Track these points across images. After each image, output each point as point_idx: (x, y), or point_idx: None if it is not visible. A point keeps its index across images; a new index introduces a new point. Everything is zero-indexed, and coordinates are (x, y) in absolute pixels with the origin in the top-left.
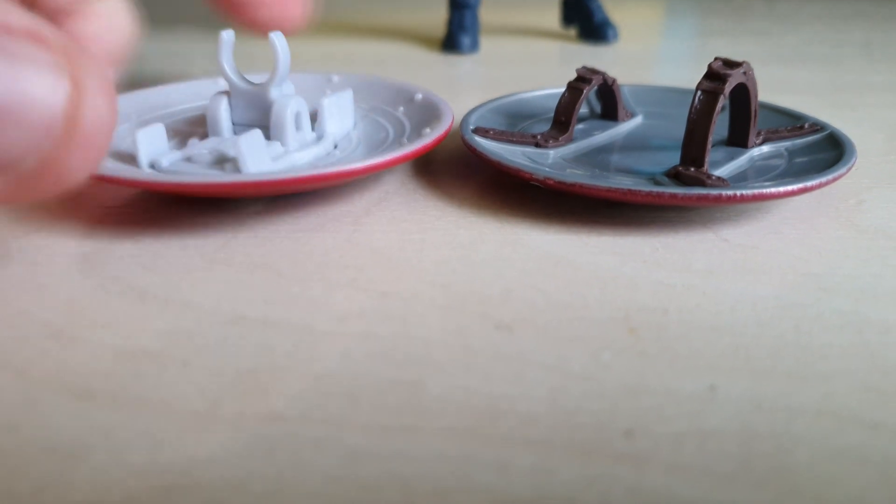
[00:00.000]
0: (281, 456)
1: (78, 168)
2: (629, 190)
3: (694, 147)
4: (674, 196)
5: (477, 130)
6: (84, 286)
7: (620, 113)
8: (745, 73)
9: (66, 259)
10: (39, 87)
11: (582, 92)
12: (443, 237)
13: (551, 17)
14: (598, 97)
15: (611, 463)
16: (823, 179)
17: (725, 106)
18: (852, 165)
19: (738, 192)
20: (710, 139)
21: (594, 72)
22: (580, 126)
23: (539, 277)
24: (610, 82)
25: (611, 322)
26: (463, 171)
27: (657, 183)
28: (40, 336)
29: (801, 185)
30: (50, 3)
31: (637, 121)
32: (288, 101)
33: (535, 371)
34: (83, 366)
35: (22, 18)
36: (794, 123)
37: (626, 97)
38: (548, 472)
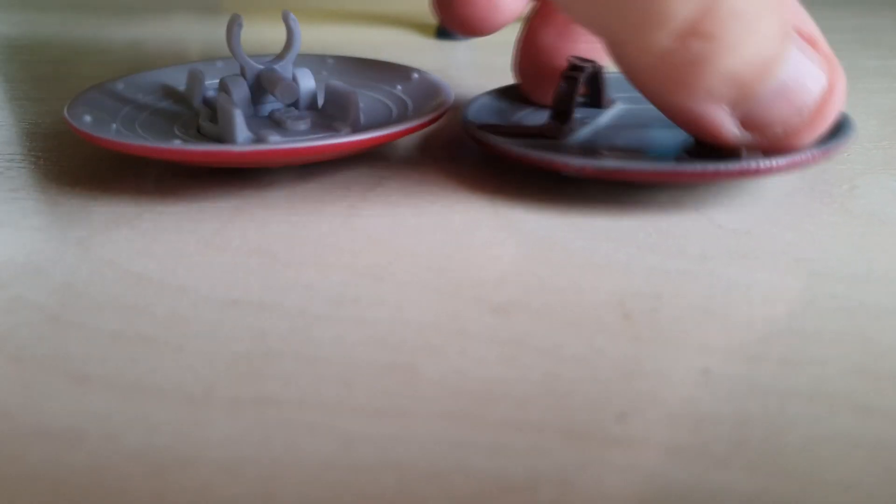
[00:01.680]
0: (275, 440)
1: (802, 141)
2: (673, 171)
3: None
4: (717, 172)
5: (484, 127)
6: (80, 271)
7: (605, 100)
8: None
9: (61, 244)
10: (810, 78)
11: (577, 81)
12: (438, 222)
13: None
14: (584, 84)
15: (604, 446)
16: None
17: None
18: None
19: (774, 163)
20: None
21: (585, 60)
22: (580, 114)
23: (534, 262)
24: (598, 70)
25: (605, 306)
26: (457, 156)
27: (681, 161)
28: (35, 321)
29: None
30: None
31: (620, 107)
32: (309, 77)
33: (530, 355)
34: (78, 350)
35: (809, 26)
36: None
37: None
38: (542, 456)
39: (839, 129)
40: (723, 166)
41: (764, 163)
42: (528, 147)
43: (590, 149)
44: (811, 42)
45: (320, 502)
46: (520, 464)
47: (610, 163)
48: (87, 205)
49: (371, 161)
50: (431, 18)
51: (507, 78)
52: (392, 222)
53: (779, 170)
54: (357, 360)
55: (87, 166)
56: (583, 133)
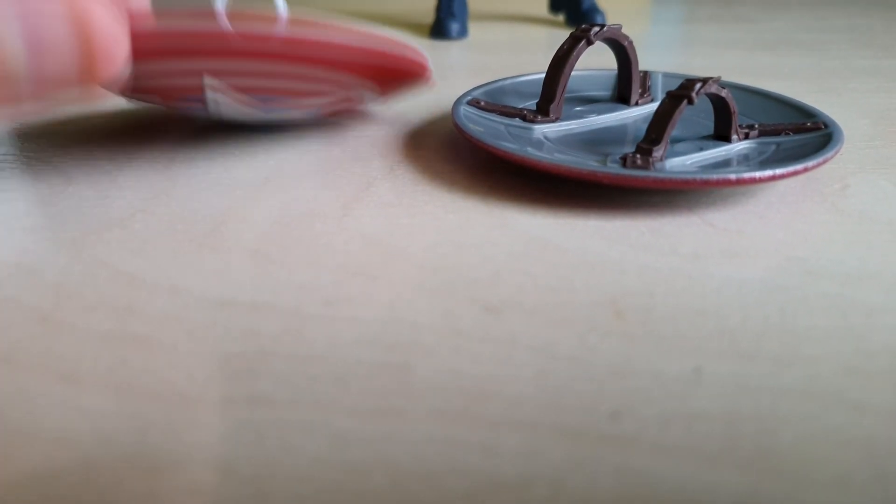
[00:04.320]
0: (269, 439)
1: (106, 70)
2: (583, 170)
3: (654, 129)
4: (617, 177)
5: (470, 102)
6: (72, 271)
7: (634, 95)
8: (717, 84)
9: (53, 244)
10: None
11: (569, 54)
12: (431, 221)
13: (539, 4)
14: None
15: (597, 444)
16: (796, 167)
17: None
18: (838, 151)
19: (758, 175)
20: (670, 130)
21: (591, 27)
22: (581, 107)
23: (527, 261)
24: (624, 42)
25: (598, 305)
26: (452, 156)
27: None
28: (27, 321)
29: (752, 175)
30: None
31: (651, 107)
32: None
33: (523, 353)
34: (70, 351)
35: None
36: (800, 121)
37: (654, 81)
38: (535, 454)
39: (829, 140)
40: (709, 175)
41: (748, 174)
42: (493, 126)
43: (560, 140)
44: None
45: (314, 501)
46: (513, 462)
47: (530, 154)
48: (79, 205)
49: (364, 161)
50: (426, 18)
51: (501, 76)
52: (385, 222)
53: (762, 181)
54: (350, 360)
55: (80, 167)
56: (570, 125)
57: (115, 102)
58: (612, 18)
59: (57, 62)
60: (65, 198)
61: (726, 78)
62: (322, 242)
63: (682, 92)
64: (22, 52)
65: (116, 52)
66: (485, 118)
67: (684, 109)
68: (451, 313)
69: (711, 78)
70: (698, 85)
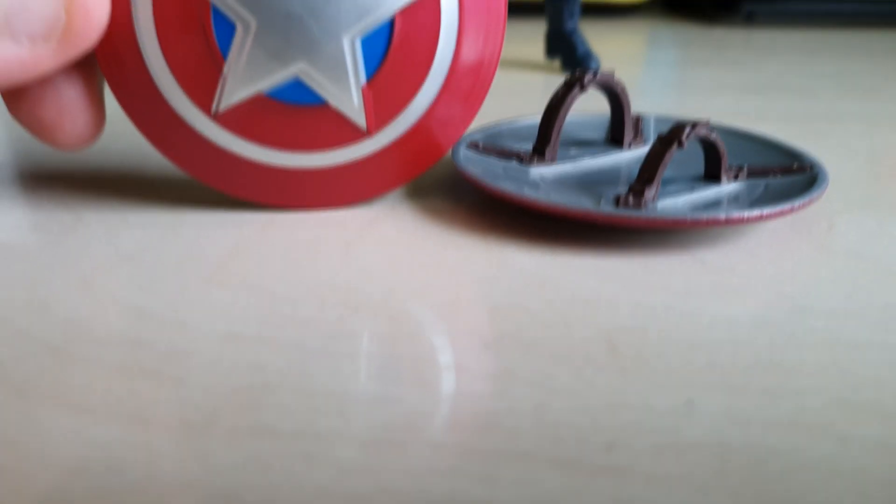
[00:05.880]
0: (274, 469)
1: (84, 38)
2: (577, 210)
3: (646, 171)
4: (610, 217)
5: (470, 144)
6: (83, 306)
7: (627, 138)
8: (706, 128)
9: (65, 280)
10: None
11: (563, 100)
12: (431, 258)
13: (536, 49)
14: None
15: (593, 475)
16: (784, 207)
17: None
18: (823, 191)
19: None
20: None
21: (584, 74)
22: (576, 150)
23: (524, 297)
24: (616, 88)
25: (593, 340)
26: (452, 195)
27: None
28: (40, 354)
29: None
30: None
31: (644, 149)
32: None
33: (521, 387)
34: (82, 382)
35: None
36: (787, 163)
37: (647, 124)
38: (532, 485)
39: (815, 180)
40: (699, 215)
41: (739, 214)
42: (491, 167)
43: (556, 182)
44: None
45: None
46: (511, 492)
47: (527, 194)
48: (89, 242)
49: (367, 200)
50: None
51: (501, 101)
52: (387, 259)
53: (752, 220)
54: (351, 393)
55: (90, 205)
56: (565, 167)
57: (122, 147)
58: (607, 62)
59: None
60: (75, 235)
61: (718, 120)
62: (325, 279)
63: (672, 136)
64: None
65: (97, 3)
66: (484, 160)
67: (675, 152)
68: (451, 348)
69: (700, 122)
70: (687, 129)
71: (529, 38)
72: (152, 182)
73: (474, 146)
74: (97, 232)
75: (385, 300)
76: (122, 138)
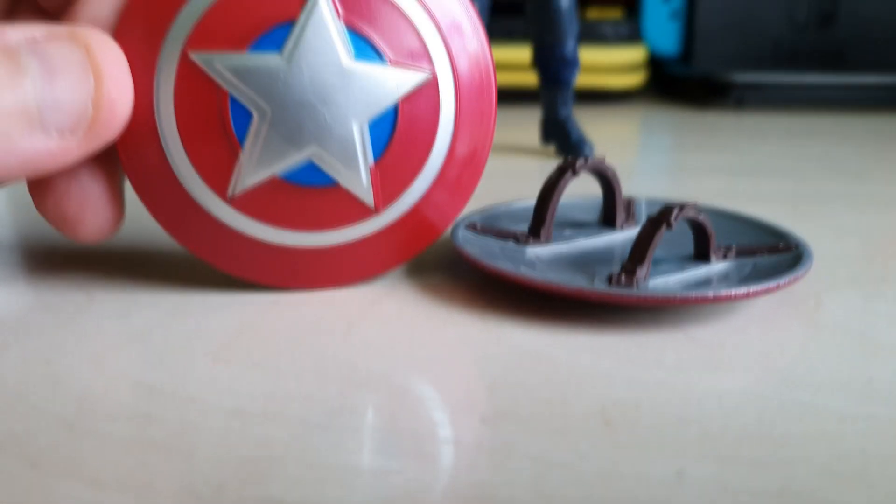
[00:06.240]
0: None
1: (109, 130)
2: (572, 289)
3: (637, 251)
4: (602, 295)
5: (468, 226)
6: (95, 382)
7: (619, 219)
8: (694, 209)
9: (77, 357)
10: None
11: (557, 184)
12: (431, 336)
13: (532, 135)
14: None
15: None
16: (770, 285)
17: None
18: (808, 269)
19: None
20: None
21: (576, 160)
22: (570, 231)
23: (521, 373)
24: (607, 173)
25: (588, 415)
26: (450, 275)
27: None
28: (53, 428)
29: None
30: None
31: (635, 230)
32: None
33: (518, 461)
34: (94, 456)
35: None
36: (774, 242)
37: (638, 206)
38: None
39: (800, 259)
40: (688, 293)
41: (727, 291)
42: (489, 247)
43: (551, 261)
44: (59, 39)
45: None
46: None
47: (522, 272)
48: (101, 321)
49: (369, 281)
50: None
51: (498, 184)
52: (388, 337)
53: (740, 297)
54: (354, 465)
55: (102, 286)
56: (560, 247)
57: (132, 231)
58: (602, 147)
59: (68, 86)
60: (88, 314)
61: (709, 202)
62: (328, 355)
63: (661, 217)
64: (35, 66)
65: (122, 97)
66: (481, 240)
67: (664, 233)
68: (450, 423)
69: (688, 203)
70: (675, 210)
71: (525, 125)
72: (161, 264)
73: (472, 227)
74: (109, 311)
75: (386, 376)
76: (132, 222)
